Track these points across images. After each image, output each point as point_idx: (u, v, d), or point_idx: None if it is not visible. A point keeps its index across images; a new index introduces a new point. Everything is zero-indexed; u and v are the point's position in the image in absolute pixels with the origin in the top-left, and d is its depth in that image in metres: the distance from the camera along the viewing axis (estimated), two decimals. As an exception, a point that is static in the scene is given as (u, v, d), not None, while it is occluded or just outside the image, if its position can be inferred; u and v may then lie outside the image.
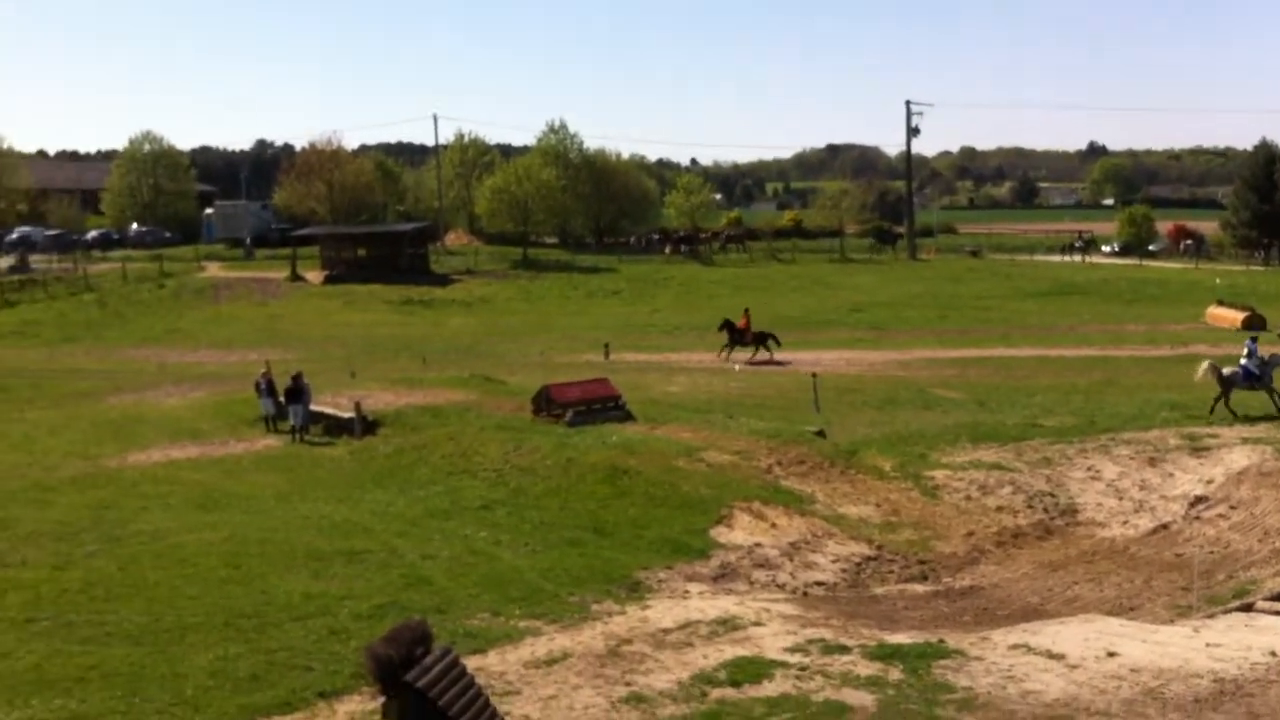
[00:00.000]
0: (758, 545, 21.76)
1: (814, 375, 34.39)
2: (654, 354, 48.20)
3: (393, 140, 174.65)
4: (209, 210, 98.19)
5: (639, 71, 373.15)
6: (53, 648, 16.18)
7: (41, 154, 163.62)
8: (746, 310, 47.40)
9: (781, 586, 19.81)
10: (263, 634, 16.63)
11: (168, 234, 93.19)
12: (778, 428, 28.93)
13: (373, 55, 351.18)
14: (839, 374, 39.62)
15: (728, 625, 16.57)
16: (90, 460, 28.94)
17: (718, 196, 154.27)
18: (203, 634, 16.66)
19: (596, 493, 24.39)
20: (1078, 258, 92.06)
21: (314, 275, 73.67)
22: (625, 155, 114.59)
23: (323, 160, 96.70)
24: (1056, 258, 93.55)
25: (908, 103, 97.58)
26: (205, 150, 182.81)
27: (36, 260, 77.08)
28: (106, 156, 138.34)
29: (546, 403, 30.62)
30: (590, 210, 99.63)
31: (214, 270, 75.27)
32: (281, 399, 31.78)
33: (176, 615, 17.46)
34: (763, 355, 44.76)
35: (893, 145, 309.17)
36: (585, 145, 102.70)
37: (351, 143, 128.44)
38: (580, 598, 18.44)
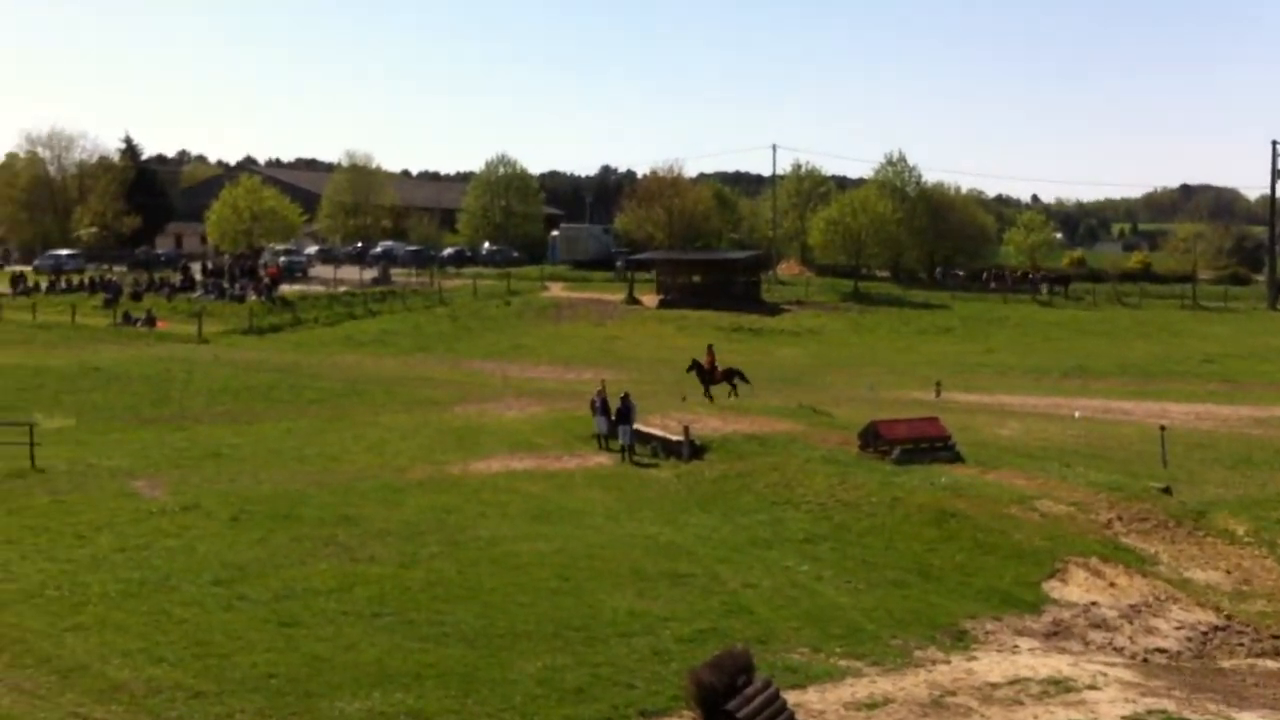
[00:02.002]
0: (1094, 604, 20.72)
1: (1161, 428, 32.47)
2: (986, 395, 46.80)
3: (730, 169, 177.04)
4: (554, 232, 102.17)
5: (979, 104, 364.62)
6: (394, 643, 17.14)
7: (405, 174, 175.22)
8: (710, 347, 44.83)
9: (1119, 650, 18.77)
10: (589, 647, 17.08)
11: (515, 253, 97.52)
12: (1119, 480, 27.47)
13: (715, 86, 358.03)
14: (1188, 428, 37.29)
15: (1060, 686, 15.83)
16: (436, 465, 30.56)
17: (1059, 235, 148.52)
18: (533, 642, 17.26)
19: (923, 534, 23.85)
20: None
21: (649, 299, 75.52)
22: (963, 189, 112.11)
23: (663, 187, 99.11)
24: None
25: (1274, 143, 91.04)
26: (553, 175, 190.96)
27: (397, 274, 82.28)
28: (464, 178, 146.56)
29: (874, 438, 30.19)
30: (925, 245, 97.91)
31: (556, 290, 78.31)
32: (613, 418, 32.65)
33: (509, 621, 18.16)
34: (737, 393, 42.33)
35: (1253, 188, 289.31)
36: (923, 178, 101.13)
37: (691, 171, 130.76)
38: (903, 641, 18.05)
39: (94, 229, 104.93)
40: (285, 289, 70.67)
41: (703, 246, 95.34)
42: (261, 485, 27.77)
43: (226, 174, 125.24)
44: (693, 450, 31.16)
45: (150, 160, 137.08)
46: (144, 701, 14.87)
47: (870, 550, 23.20)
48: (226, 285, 70.39)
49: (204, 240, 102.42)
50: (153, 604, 18.68)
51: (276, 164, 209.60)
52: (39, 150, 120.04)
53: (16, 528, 23.66)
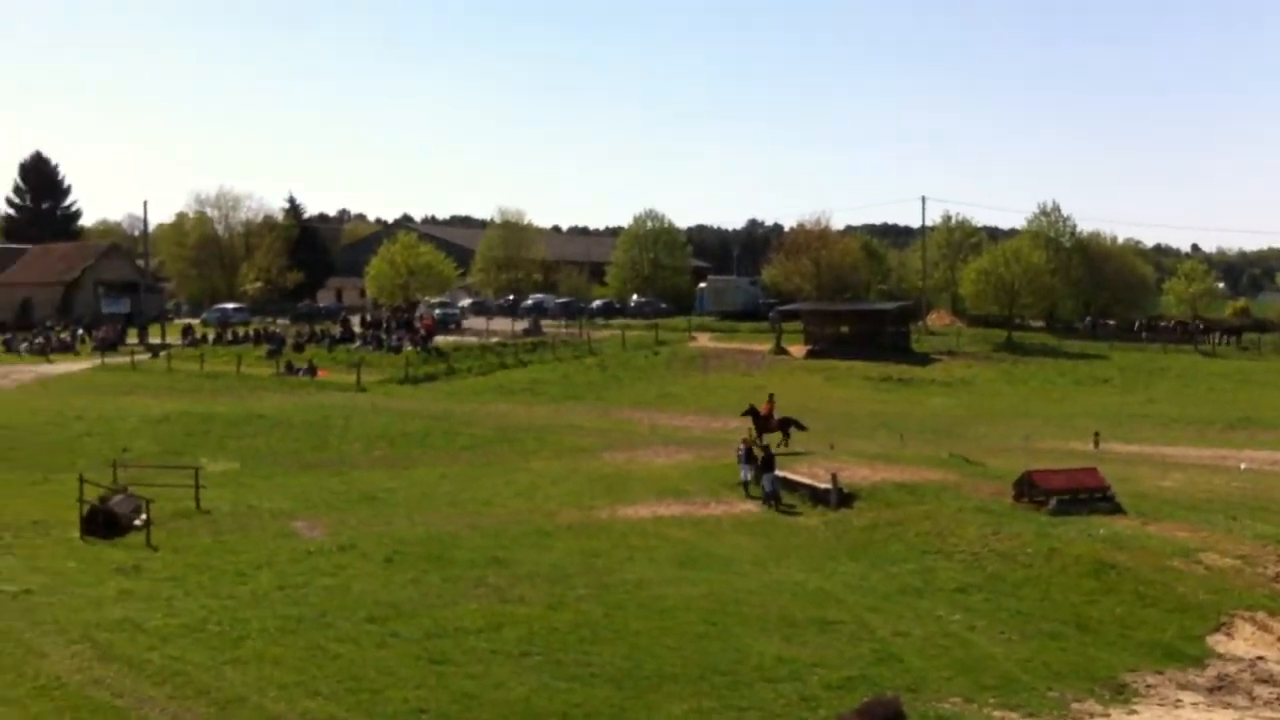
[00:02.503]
0: (1261, 659, 19.87)
1: (1335, 480, 31.10)
2: (1147, 446, 45.35)
3: (878, 221, 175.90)
4: (702, 284, 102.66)
5: (1135, 154, 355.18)
6: (542, 682, 17.28)
7: (555, 229, 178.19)
8: (771, 396, 43.41)
9: (1287, 706, 17.94)
10: (735, 691, 16.99)
11: (663, 305, 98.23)
12: (1289, 534, 26.35)
13: (862, 139, 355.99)
14: (1364, 481, 35.60)
15: (1226, 741, 15.20)
16: (584, 510, 30.79)
17: (1221, 284, 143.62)
18: (679, 685, 17.23)
19: (1080, 586, 23.18)
20: None
21: (797, 349, 75.16)
22: (1120, 239, 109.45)
23: (810, 239, 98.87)
24: None
25: None
26: (701, 229, 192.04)
27: (547, 325, 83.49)
28: (613, 232, 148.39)
29: (1029, 488, 29.49)
30: (1080, 295, 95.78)
31: (704, 341, 78.52)
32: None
33: (655, 664, 18.16)
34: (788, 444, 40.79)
35: None
36: (1078, 228, 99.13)
37: (838, 223, 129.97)
38: (1060, 694, 17.55)
39: (259, 284, 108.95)
40: (440, 340, 72.24)
41: (850, 298, 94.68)
42: (415, 528, 28.34)
43: (384, 231, 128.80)
44: (840, 498, 30.82)
45: (312, 219, 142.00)
46: (300, 733, 15.23)
47: (1025, 601, 22.62)
48: (384, 337, 72.21)
49: (363, 294, 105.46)
50: (309, 640, 19.17)
51: (432, 221, 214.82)
52: (208, 210, 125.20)
53: (181, 565, 24.54)
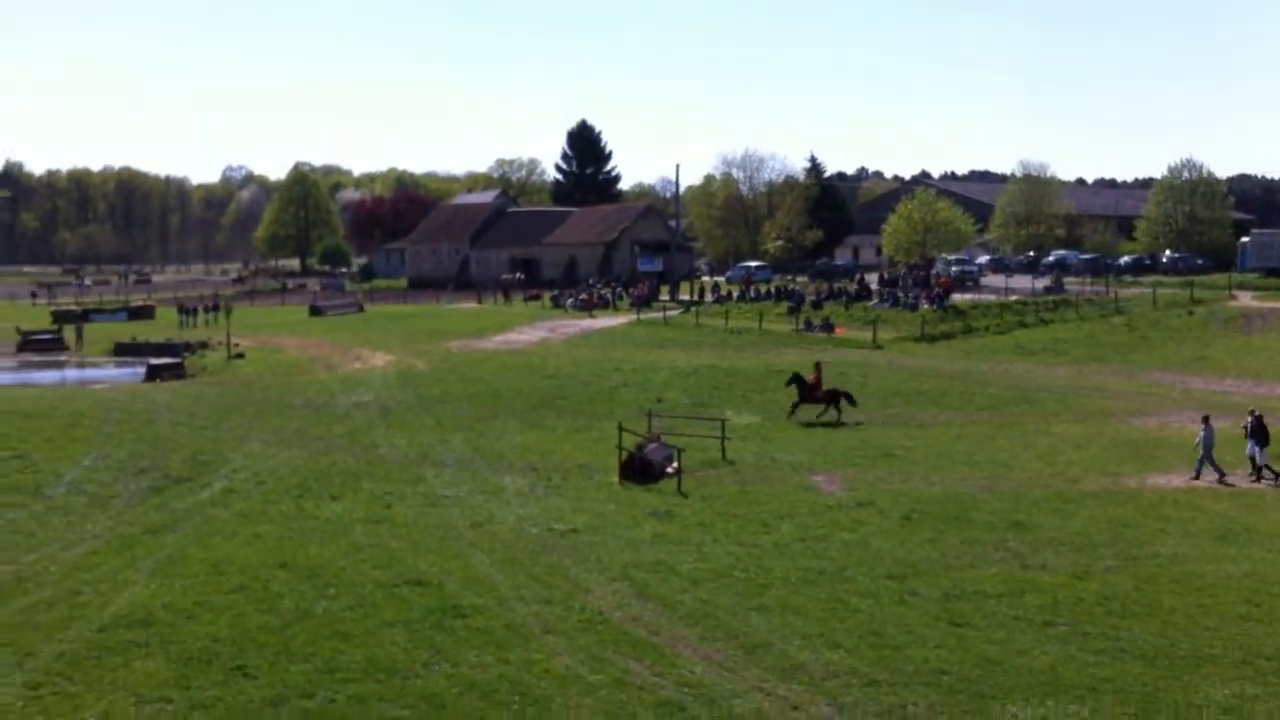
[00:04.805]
0: None
1: None
2: None
3: None
4: (1244, 239, 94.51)
5: None
6: (1067, 653, 16.73)
7: (1080, 182, 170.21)
8: (818, 364, 41.48)
9: None
10: (1284, 679, 15.68)
11: (1199, 260, 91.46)
12: None
13: None
14: None
15: None
16: (1110, 477, 29.41)
17: None
18: (1219, 667, 16.16)
19: None
20: None
21: (1359, 309, 67.49)
22: None
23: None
24: None
25: None
26: (1243, 178, 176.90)
27: (1070, 282, 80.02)
28: (1143, 184, 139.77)
29: None
30: None
31: (1245, 300, 72.30)
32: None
33: (1191, 644, 17.12)
34: (831, 415, 39.06)
35: None
36: None
37: None
38: None
39: (780, 242, 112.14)
40: (957, 298, 71.17)
41: None
42: (932, 487, 28.24)
43: (902, 188, 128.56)
44: None
45: (832, 178, 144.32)
46: (822, 684, 15.64)
47: None
48: (900, 294, 72.15)
49: (879, 252, 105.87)
50: (829, 592, 19.64)
51: (950, 177, 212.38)
52: (734, 171, 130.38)
53: (709, 513, 25.86)
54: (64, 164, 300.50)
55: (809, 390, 40.06)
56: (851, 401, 39.56)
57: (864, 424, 38.19)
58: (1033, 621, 18.21)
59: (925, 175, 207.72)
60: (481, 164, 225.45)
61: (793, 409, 39.82)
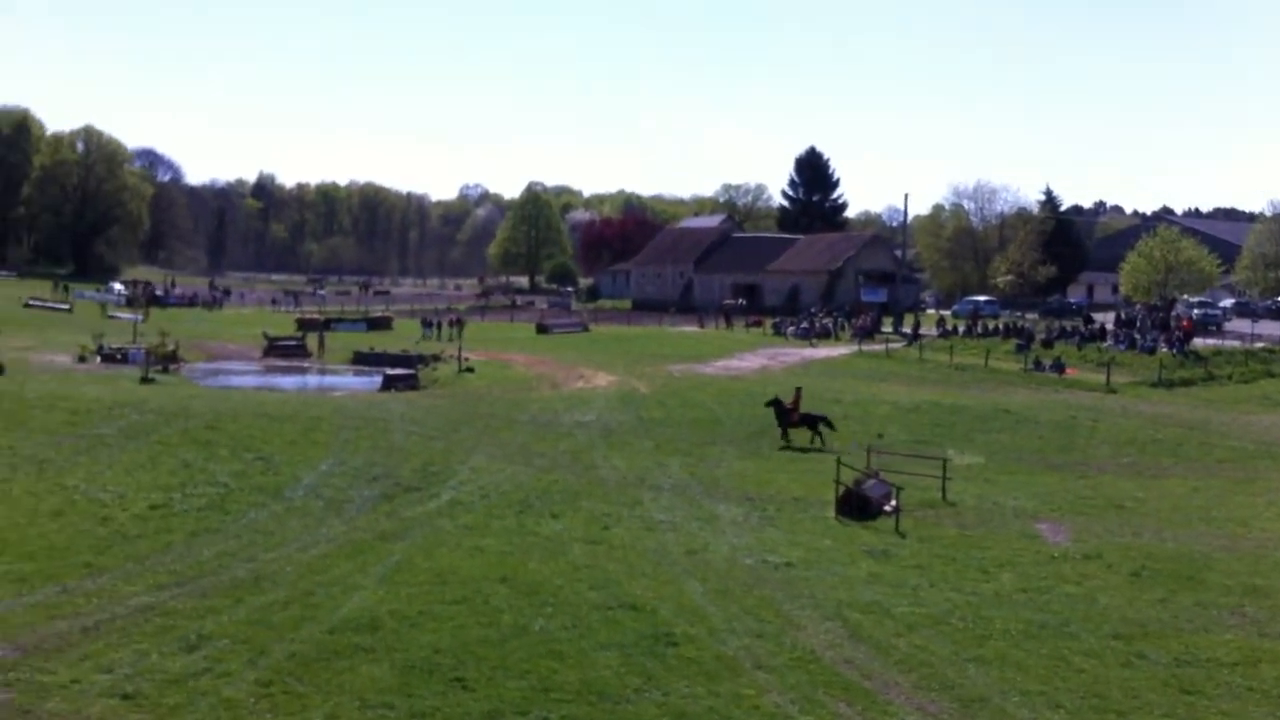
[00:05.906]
0: None
1: None
2: None
3: None
4: None
5: None
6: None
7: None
8: (798, 389, 41.84)
9: None
10: None
11: None
12: None
13: None
14: None
15: None
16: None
17: None
18: None
19: None
20: None
21: None
22: None
23: None
24: None
25: None
26: None
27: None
28: None
29: None
30: None
31: None
32: None
33: None
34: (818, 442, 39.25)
35: None
36: None
37: None
38: None
39: (1010, 276, 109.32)
40: (1198, 343, 68.10)
41: None
42: (1165, 543, 27.05)
43: (1143, 224, 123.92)
44: None
45: (1068, 211, 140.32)
46: (1039, 741, 15.20)
47: None
48: (1137, 336, 69.44)
49: (1115, 290, 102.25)
50: (1051, 648, 19.02)
51: (1194, 214, 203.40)
52: (964, 203, 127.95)
53: (927, 555, 25.37)
54: (313, 178, 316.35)
55: (786, 414, 40.56)
56: (830, 426, 40.30)
57: (1099, 473, 36.88)
58: (1269, 694, 17.27)
59: (1167, 211, 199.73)
60: (708, 188, 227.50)
61: (782, 434, 40.26)
